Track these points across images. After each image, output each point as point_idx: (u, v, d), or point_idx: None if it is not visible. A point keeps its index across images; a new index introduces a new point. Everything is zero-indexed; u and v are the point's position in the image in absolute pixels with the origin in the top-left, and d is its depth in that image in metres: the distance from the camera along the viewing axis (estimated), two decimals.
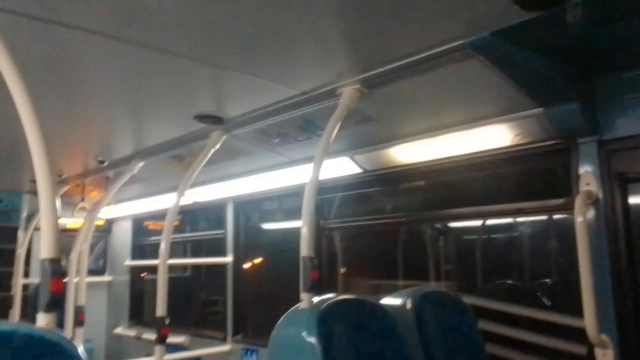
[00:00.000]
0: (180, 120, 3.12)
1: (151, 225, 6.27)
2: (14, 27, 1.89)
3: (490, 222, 4.53)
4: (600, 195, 2.38)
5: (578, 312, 2.32)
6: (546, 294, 4.14)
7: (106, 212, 5.95)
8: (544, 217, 4.03)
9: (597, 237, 2.35)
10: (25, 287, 5.36)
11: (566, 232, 2.82)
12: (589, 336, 2.26)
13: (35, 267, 5.62)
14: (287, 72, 2.40)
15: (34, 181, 1.63)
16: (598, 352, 2.32)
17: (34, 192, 5.36)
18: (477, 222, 4.61)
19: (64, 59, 2.25)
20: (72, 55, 2.22)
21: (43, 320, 1.52)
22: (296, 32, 2.00)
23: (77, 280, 4.29)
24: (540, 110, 2.39)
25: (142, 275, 6.29)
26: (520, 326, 3.35)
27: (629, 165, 2.35)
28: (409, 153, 3.09)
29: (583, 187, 2.41)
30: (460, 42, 1.97)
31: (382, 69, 2.28)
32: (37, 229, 5.14)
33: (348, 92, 2.46)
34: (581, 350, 2.60)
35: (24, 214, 5.66)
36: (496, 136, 2.68)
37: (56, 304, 1.55)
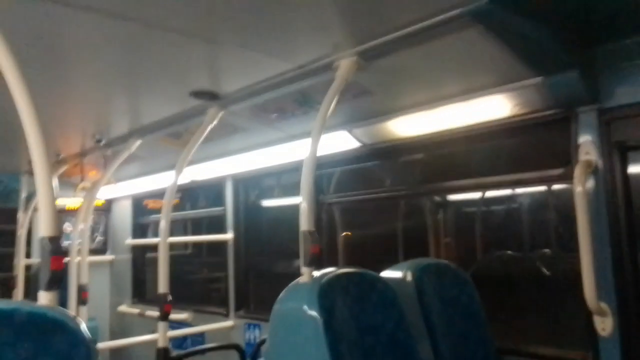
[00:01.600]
0: (176, 97, 3.09)
1: (151, 203, 6.27)
2: (5, 5, 1.86)
3: (490, 194, 4.53)
4: (600, 164, 2.37)
5: (578, 281, 2.34)
6: (545, 263, 4.18)
7: (106, 192, 5.95)
8: (543, 188, 4.03)
9: (597, 207, 2.36)
10: (28, 267, 5.39)
11: (566, 202, 2.82)
12: (588, 304, 2.28)
13: (36, 247, 5.64)
14: (283, 45, 2.37)
15: (32, 162, 1.62)
16: (597, 319, 2.35)
17: (32, 173, 5.34)
18: (477, 195, 4.62)
19: (57, 36, 2.22)
20: (66, 33, 2.19)
21: (44, 298, 1.53)
22: (292, 4, 1.96)
23: (79, 259, 4.31)
24: (539, 79, 2.37)
25: (146, 255, 6.32)
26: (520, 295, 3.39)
27: (628, 133, 2.33)
28: (407, 125, 3.08)
29: (582, 157, 2.41)
30: (459, 10, 1.93)
31: (379, 40, 2.24)
32: (36, 209, 5.14)
33: (345, 65, 2.43)
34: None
35: (23, 195, 5.65)
36: (495, 106, 2.66)
37: (57, 281, 1.55)
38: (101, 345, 4.59)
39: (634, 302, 2.30)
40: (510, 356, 2.80)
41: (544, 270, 4.19)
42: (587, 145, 2.40)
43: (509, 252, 4.55)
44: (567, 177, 2.52)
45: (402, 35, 2.17)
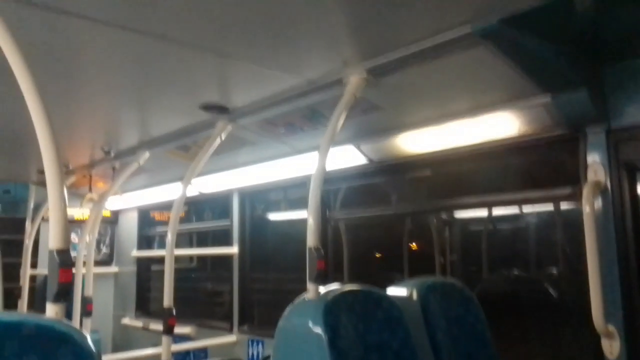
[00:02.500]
0: (185, 110, 3.11)
1: (157, 216, 6.29)
2: (19, 17, 1.89)
3: (497, 212, 4.51)
4: (608, 184, 2.36)
5: (585, 303, 2.31)
6: (552, 284, 4.14)
7: (113, 203, 5.97)
8: (551, 207, 4.01)
9: (605, 227, 2.34)
10: (33, 278, 5.39)
11: (573, 222, 2.81)
12: (595, 326, 2.25)
13: (43, 258, 5.65)
14: (293, 60, 2.39)
15: (41, 172, 1.63)
16: (605, 342, 2.32)
17: (41, 183, 5.38)
18: (484, 213, 4.60)
19: (69, 48, 2.25)
20: (78, 45, 2.22)
21: (52, 310, 1.53)
22: (302, 20, 1.98)
23: (85, 271, 4.31)
24: (548, 98, 2.37)
25: (151, 267, 6.31)
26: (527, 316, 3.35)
27: (637, 154, 2.32)
28: (415, 142, 3.08)
29: (591, 177, 2.39)
30: (468, 28, 1.94)
31: (388, 57, 2.26)
32: (44, 219, 5.16)
33: (354, 81, 2.44)
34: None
35: (32, 205, 5.68)
36: (503, 124, 2.66)
37: (64, 294, 1.55)
38: (105, 358, 4.56)
39: None
40: None
41: (551, 290, 4.15)
42: (595, 165, 2.39)
43: (516, 271, 4.51)
44: (575, 197, 2.50)
45: (411, 52, 2.18)
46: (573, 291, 3.78)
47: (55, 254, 1.55)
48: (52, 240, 1.57)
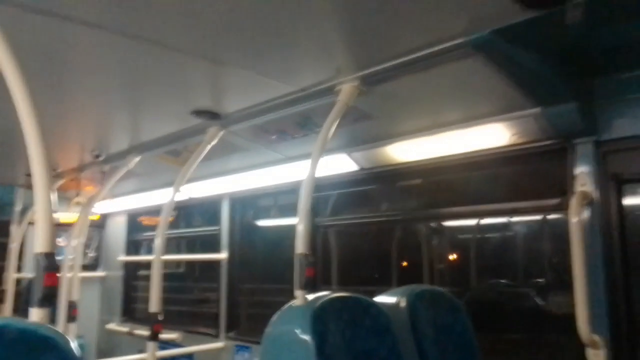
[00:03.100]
0: (177, 115, 3.10)
1: (146, 220, 6.24)
2: (10, 19, 1.87)
3: (486, 221, 4.54)
4: (596, 195, 2.39)
5: (571, 312, 2.33)
6: (539, 294, 4.16)
7: (101, 207, 5.92)
8: (538, 218, 4.04)
9: (592, 238, 2.36)
10: (18, 281, 5.32)
11: (560, 233, 2.83)
12: (581, 336, 2.27)
13: (28, 261, 5.58)
14: (286, 68, 2.39)
15: (28, 175, 1.62)
16: (590, 352, 2.33)
17: (28, 186, 5.32)
18: (473, 222, 4.63)
19: (60, 51, 2.24)
20: (69, 48, 2.21)
21: (36, 314, 1.51)
22: (295, 27, 1.99)
23: (71, 275, 4.27)
24: (538, 109, 2.40)
25: (138, 272, 6.26)
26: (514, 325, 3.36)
27: (625, 166, 2.35)
28: (406, 151, 3.09)
29: (579, 188, 2.42)
30: (461, 40, 1.96)
31: (381, 66, 2.27)
32: (30, 223, 5.11)
33: (347, 89, 2.45)
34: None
35: (18, 208, 5.62)
36: (494, 135, 2.68)
37: (50, 298, 1.53)
38: None
39: (627, 335, 2.29)
40: None
41: (538, 300, 4.17)
42: (583, 176, 2.42)
43: (504, 280, 4.54)
44: (563, 208, 2.53)
45: (404, 62, 2.20)
46: (559, 301, 3.80)
47: (40, 257, 1.53)
48: (37, 243, 1.55)
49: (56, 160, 4.43)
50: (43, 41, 2.12)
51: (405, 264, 4.77)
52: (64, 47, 2.19)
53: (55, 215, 1.63)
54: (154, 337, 3.34)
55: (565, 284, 2.59)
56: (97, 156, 4.12)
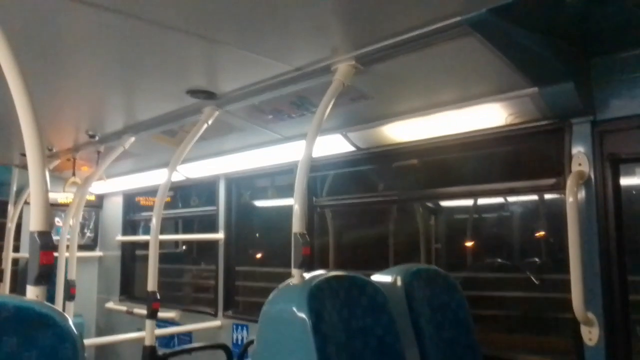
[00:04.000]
0: (172, 95, 3.08)
1: (142, 201, 6.24)
2: None
3: (482, 201, 4.56)
4: (592, 175, 2.39)
5: (566, 290, 2.35)
6: (535, 272, 4.20)
7: (97, 188, 5.92)
8: (535, 197, 4.06)
9: (587, 217, 2.37)
10: (16, 261, 5.34)
11: (557, 212, 2.84)
12: (575, 313, 2.30)
13: (25, 241, 5.59)
14: (282, 47, 2.37)
15: (24, 154, 1.61)
16: (584, 329, 2.37)
17: (24, 166, 5.30)
18: (469, 202, 4.64)
19: (54, 30, 2.21)
20: (64, 27, 2.18)
21: (32, 292, 1.52)
22: (291, 6, 1.97)
23: (68, 255, 4.28)
24: (534, 89, 2.38)
25: (136, 252, 6.28)
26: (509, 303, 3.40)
27: (621, 145, 2.35)
28: (402, 131, 3.09)
29: (575, 168, 2.42)
30: (457, 18, 1.94)
31: (377, 45, 2.25)
32: (27, 202, 5.11)
33: (343, 69, 2.43)
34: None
35: (14, 188, 5.61)
36: (490, 115, 2.67)
37: (45, 276, 1.54)
38: (87, 341, 4.55)
39: (621, 313, 2.32)
40: None
41: (533, 278, 4.22)
42: (580, 156, 2.42)
43: (499, 259, 4.57)
44: (560, 187, 2.54)
45: (400, 41, 2.18)
46: (555, 279, 3.84)
47: (36, 235, 1.53)
48: (33, 222, 1.55)
49: (51, 140, 4.41)
50: (37, 20, 2.09)
51: (402, 243, 4.80)
52: (57, 26, 2.16)
53: (51, 196, 1.63)
54: (152, 315, 3.37)
55: (561, 262, 2.62)
56: (92, 136, 4.10)
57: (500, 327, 3.78)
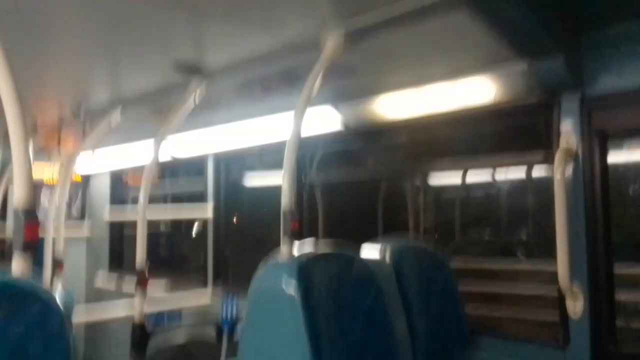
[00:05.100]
0: (158, 69, 3.03)
1: (131, 180, 6.18)
2: None
3: (470, 179, 4.57)
4: (580, 151, 2.40)
5: (551, 265, 2.38)
6: (522, 247, 4.25)
7: (84, 165, 5.84)
8: (522, 173, 4.07)
9: (575, 193, 2.39)
10: (2, 241, 5.29)
11: (545, 188, 2.86)
12: (561, 287, 2.33)
13: (11, 221, 5.53)
14: (269, 18, 2.33)
15: (7, 132, 1.58)
16: (569, 302, 2.40)
17: (7, 143, 5.21)
18: (457, 180, 4.65)
19: (36, 2, 2.14)
20: None
21: (17, 267, 1.50)
22: None
23: (55, 233, 4.24)
24: (524, 64, 2.37)
25: (124, 231, 6.24)
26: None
27: (609, 121, 2.36)
28: (392, 106, 3.07)
29: (563, 142, 2.43)
30: None
31: (367, 18, 2.22)
32: (11, 183, 5.04)
33: (332, 42, 2.40)
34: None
35: None
36: (480, 90, 2.66)
37: (31, 251, 1.52)
38: (75, 317, 4.54)
39: (606, 287, 2.35)
40: (483, 336, 2.85)
41: (519, 254, 4.27)
42: (568, 131, 2.43)
43: (487, 235, 4.62)
44: (548, 162, 2.55)
45: (389, 14, 2.15)
46: (541, 254, 3.88)
47: (20, 212, 1.51)
48: (16, 199, 1.53)
49: (35, 116, 4.32)
50: None
51: (391, 222, 4.81)
52: None
53: (38, 174, 1.60)
54: (141, 293, 3.37)
55: (547, 237, 2.64)
56: (77, 111, 4.02)
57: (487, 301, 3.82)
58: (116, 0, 2.12)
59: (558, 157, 2.36)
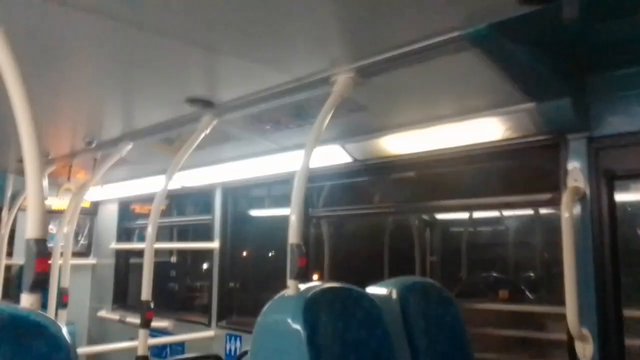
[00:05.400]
0: (170, 103, 3.08)
1: (138, 208, 6.22)
2: (3, 4, 1.85)
3: (478, 215, 4.56)
4: (588, 191, 2.40)
5: (560, 307, 2.35)
6: (530, 287, 4.20)
7: (93, 194, 5.89)
8: (530, 213, 4.07)
9: (583, 233, 2.38)
10: (8, 268, 5.29)
11: (552, 228, 2.85)
12: (570, 329, 2.30)
13: (19, 248, 5.55)
14: (281, 57, 2.38)
15: (20, 161, 1.61)
16: (578, 345, 2.36)
17: (19, 172, 5.28)
18: (465, 216, 4.65)
19: (54, 36, 2.21)
20: (63, 33, 2.18)
21: (27, 300, 1.50)
22: (291, 16, 1.98)
23: (62, 262, 4.25)
24: (532, 104, 2.40)
25: (130, 260, 6.24)
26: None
27: (616, 162, 2.37)
28: (400, 143, 3.10)
29: (571, 183, 2.44)
30: (457, 33, 1.96)
31: (377, 58, 2.27)
32: (21, 209, 5.08)
33: (342, 80, 2.44)
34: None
35: (9, 194, 5.57)
36: (487, 129, 2.69)
37: (41, 284, 1.53)
38: (80, 350, 4.50)
39: (615, 329, 2.32)
40: None
41: (528, 293, 4.21)
42: (575, 172, 2.43)
43: (494, 273, 4.57)
44: (555, 202, 2.54)
45: (399, 54, 2.19)
46: (549, 295, 3.83)
47: (32, 243, 1.52)
48: (29, 229, 1.54)
49: (48, 146, 4.39)
50: (36, 26, 2.09)
51: (397, 256, 4.79)
52: (57, 31, 2.16)
53: (46, 202, 1.62)
54: (145, 324, 3.34)
55: (555, 278, 2.62)
56: (89, 143, 4.08)
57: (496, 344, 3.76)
58: (131, 37, 2.18)
59: (566, 197, 2.36)
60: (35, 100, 1.61)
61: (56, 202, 5.66)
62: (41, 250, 1.53)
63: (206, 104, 2.99)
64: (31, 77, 1.63)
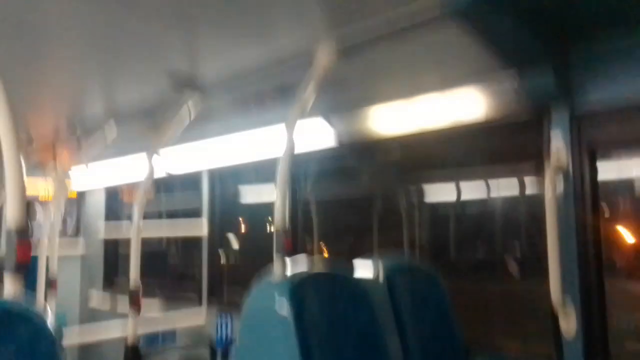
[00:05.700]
0: (152, 83, 3.04)
1: (126, 196, 6.15)
2: None
3: (463, 196, 4.57)
4: (570, 164, 2.41)
5: (544, 283, 2.38)
6: (515, 265, 4.23)
7: (78, 181, 5.82)
8: (514, 189, 4.08)
9: (565, 207, 2.39)
10: None
11: (535, 203, 2.87)
12: (553, 305, 2.32)
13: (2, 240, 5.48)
14: (262, 31, 2.35)
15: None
16: (561, 320, 2.39)
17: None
18: (452, 197, 4.66)
19: (30, 15, 2.16)
20: (39, 11, 2.12)
21: (9, 288, 1.49)
22: None
23: (49, 252, 4.21)
24: (515, 76, 2.39)
25: (119, 248, 6.20)
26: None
27: (598, 135, 2.38)
28: (385, 119, 3.07)
29: (553, 158, 2.44)
30: (440, 4, 1.94)
31: (359, 31, 2.25)
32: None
33: (324, 54, 2.41)
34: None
35: None
36: (470, 104, 2.67)
37: (23, 272, 1.51)
38: (68, 339, 4.48)
39: (598, 305, 2.35)
40: (478, 353, 2.83)
41: (513, 270, 4.25)
42: (558, 146, 2.43)
43: (480, 252, 4.61)
44: (538, 177, 2.55)
45: (381, 27, 2.17)
46: (534, 272, 3.88)
47: (12, 232, 1.50)
48: (9, 218, 1.52)
49: (29, 131, 4.30)
50: (13, 5, 2.03)
51: (386, 238, 4.80)
52: (34, 7, 2.10)
53: (32, 191, 1.59)
54: (135, 312, 3.34)
55: (539, 254, 2.64)
56: (72, 125, 4.01)
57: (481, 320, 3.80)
58: (110, 14, 2.14)
59: (548, 171, 2.37)
60: (12, 82, 1.57)
61: (43, 190, 5.58)
62: (23, 239, 1.51)
63: (189, 83, 2.95)
64: (7, 58, 1.59)
